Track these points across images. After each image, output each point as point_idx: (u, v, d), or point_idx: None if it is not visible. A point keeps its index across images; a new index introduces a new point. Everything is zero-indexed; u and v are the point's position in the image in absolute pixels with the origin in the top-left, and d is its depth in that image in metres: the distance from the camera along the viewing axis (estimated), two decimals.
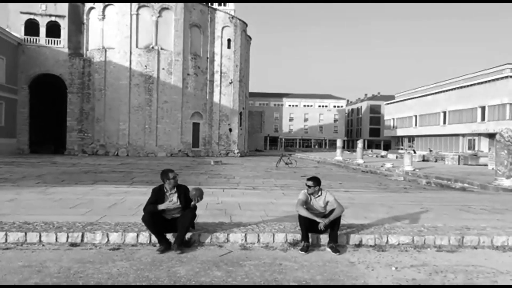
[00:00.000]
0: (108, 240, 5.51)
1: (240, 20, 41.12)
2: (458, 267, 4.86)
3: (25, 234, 5.46)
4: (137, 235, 5.57)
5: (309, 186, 5.84)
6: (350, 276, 4.46)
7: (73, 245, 5.39)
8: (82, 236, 5.49)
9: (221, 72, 39.64)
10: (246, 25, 42.82)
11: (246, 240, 5.68)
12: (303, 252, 5.35)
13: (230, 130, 40.59)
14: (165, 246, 5.28)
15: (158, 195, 5.59)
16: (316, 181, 5.86)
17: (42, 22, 35.64)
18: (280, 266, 4.74)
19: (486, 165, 27.20)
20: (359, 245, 5.73)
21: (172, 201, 5.58)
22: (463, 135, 55.56)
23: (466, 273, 4.68)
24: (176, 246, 5.22)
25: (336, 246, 5.48)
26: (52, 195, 9.51)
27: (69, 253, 5.06)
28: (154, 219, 5.40)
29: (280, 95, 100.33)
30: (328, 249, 5.46)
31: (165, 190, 5.64)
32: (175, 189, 5.65)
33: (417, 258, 5.24)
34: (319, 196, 5.86)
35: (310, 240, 5.62)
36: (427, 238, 5.83)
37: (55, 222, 6.11)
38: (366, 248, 5.65)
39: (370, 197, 10.67)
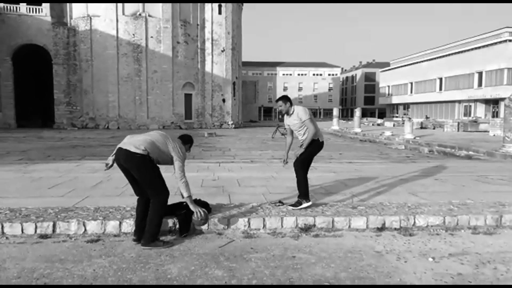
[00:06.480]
0: (85, 230, 4.60)
1: None
2: (506, 255, 4.04)
3: None
4: (120, 224, 4.65)
5: (280, 106, 5.45)
6: (382, 272, 3.58)
7: (43, 237, 4.46)
8: (54, 226, 4.56)
9: (212, 40, 37.90)
10: None
11: (249, 225, 4.79)
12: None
13: (224, 100, 39.23)
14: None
15: None
16: (283, 98, 5.48)
17: None
18: (293, 260, 3.87)
19: (486, 131, 26.55)
20: (381, 228, 4.87)
21: None
22: (459, 101, 54.84)
23: None
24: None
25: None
26: (32, 173, 8.58)
27: (37, 248, 4.15)
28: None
29: (273, 64, 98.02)
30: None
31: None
32: None
33: (453, 243, 4.41)
34: (292, 113, 5.42)
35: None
36: (460, 218, 5.00)
37: (23, 208, 5.17)
38: (390, 231, 4.80)
39: (375, 168, 9.88)
